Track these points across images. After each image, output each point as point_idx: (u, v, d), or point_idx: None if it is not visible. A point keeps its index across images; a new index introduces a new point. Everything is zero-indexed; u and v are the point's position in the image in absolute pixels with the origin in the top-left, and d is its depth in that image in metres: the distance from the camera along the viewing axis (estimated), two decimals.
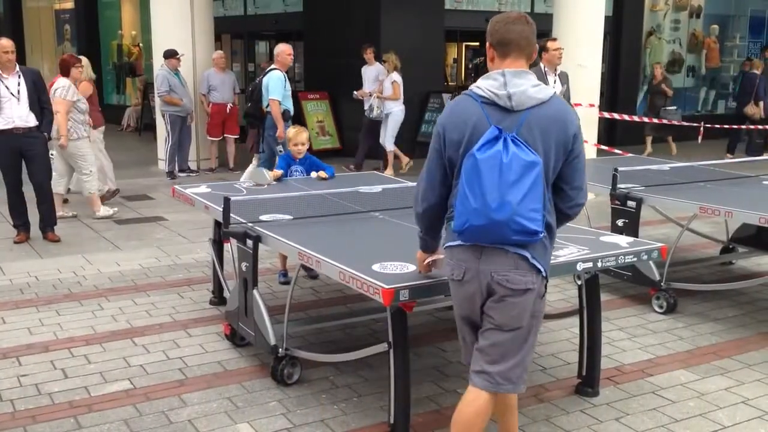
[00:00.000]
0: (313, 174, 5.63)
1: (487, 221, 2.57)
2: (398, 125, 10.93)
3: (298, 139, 5.70)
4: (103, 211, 8.11)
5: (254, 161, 8.99)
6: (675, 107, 13.15)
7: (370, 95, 11.12)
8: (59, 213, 7.76)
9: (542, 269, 2.73)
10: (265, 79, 8.41)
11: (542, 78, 7.50)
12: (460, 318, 2.91)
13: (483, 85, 2.72)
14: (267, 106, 8.40)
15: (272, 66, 8.54)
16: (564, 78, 7.69)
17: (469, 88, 2.79)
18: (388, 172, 10.17)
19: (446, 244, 2.83)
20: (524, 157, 2.56)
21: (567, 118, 2.73)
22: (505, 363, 2.76)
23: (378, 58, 11.12)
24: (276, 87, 8.28)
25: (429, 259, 3.12)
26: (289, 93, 8.54)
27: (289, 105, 8.52)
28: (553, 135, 2.68)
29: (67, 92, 7.56)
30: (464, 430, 2.82)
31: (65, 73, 7.78)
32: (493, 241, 2.64)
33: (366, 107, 11.21)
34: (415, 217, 2.98)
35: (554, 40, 7.63)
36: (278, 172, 5.57)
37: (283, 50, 8.50)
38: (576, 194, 2.81)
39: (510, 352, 2.76)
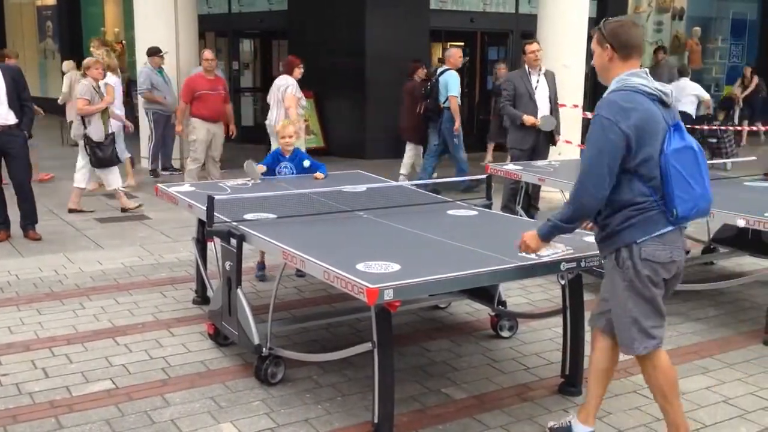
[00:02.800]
0: (318, 174, 5.58)
1: (708, 203, 2.97)
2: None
3: (285, 132, 5.58)
4: None
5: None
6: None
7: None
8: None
9: None
10: (443, 78, 9.44)
11: (525, 78, 7.52)
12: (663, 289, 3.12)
13: (649, 84, 2.93)
14: (444, 102, 9.40)
15: (445, 66, 9.57)
16: (550, 77, 7.69)
17: (634, 84, 2.93)
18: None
19: (657, 233, 2.98)
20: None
21: None
22: None
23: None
24: (455, 85, 9.38)
25: (545, 248, 3.38)
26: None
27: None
28: None
29: (296, 90, 8.48)
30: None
31: (290, 71, 8.51)
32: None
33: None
34: (576, 209, 3.06)
35: (531, 42, 7.62)
36: (262, 167, 5.52)
37: (455, 53, 9.61)
38: None
39: None
